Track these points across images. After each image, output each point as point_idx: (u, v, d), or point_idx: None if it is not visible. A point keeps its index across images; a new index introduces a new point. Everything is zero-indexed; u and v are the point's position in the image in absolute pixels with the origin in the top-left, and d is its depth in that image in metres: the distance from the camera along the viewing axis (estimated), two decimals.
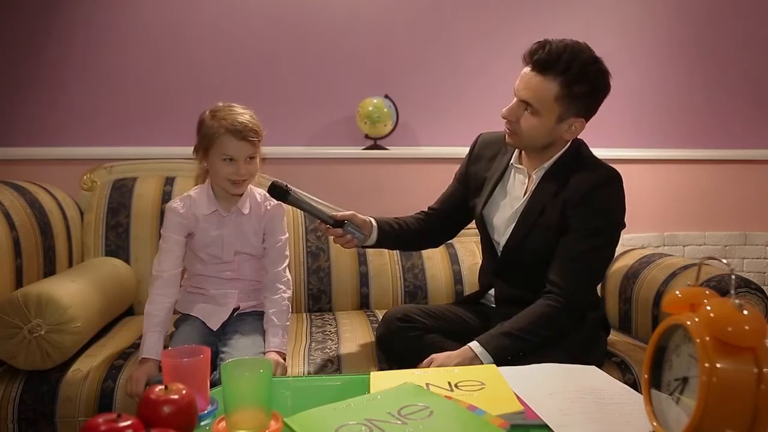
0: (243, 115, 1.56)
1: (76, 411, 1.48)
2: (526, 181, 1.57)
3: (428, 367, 1.39)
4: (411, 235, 1.69)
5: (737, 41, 2.64)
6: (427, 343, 1.48)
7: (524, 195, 1.55)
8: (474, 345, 1.39)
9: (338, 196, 2.38)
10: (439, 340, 1.50)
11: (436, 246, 1.85)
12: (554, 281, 1.45)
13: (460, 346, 1.41)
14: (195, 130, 1.65)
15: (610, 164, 1.53)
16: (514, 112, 1.47)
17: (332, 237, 1.58)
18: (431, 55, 2.47)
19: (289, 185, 1.53)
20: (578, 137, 1.55)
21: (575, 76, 1.40)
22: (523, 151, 1.58)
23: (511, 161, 1.60)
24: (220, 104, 1.60)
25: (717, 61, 2.64)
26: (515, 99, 1.47)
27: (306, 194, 2.26)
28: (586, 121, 1.49)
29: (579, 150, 1.55)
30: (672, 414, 0.81)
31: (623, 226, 1.51)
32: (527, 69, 1.45)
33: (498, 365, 1.32)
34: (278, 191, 1.51)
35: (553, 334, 1.43)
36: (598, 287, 2.01)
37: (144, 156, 2.29)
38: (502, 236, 1.58)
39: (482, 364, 1.35)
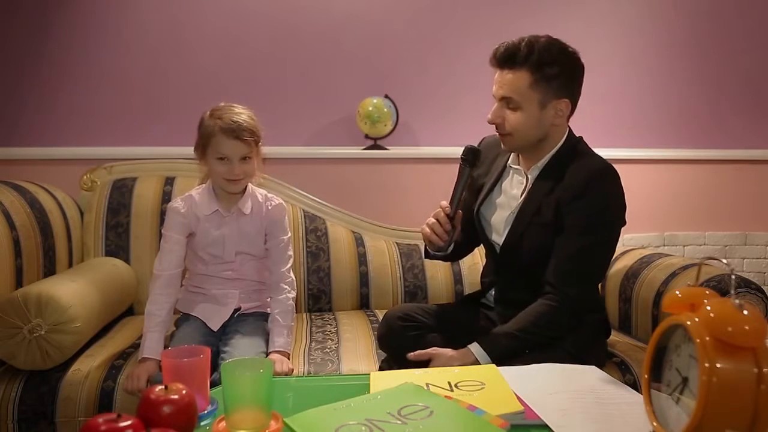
0: (240, 114, 1.56)
1: (76, 411, 1.48)
2: (524, 181, 1.56)
3: (428, 359, 1.40)
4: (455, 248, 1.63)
5: (737, 41, 2.64)
6: (428, 342, 1.48)
7: (522, 195, 1.55)
8: (474, 347, 1.40)
9: (338, 196, 2.37)
10: (439, 339, 1.51)
11: (465, 255, 1.81)
12: (551, 281, 1.44)
13: (461, 346, 1.42)
14: (195, 129, 1.65)
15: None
16: (498, 114, 1.49)
17: (433, 220, 1.48)
18: (431, 55, 2.47)
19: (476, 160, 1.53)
20: (576, 135, 1.54)
21: (540, 60, 1.42)
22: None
23: (509, 162, 1.61)
24: (222, 104, 1.60)
25: (717, 61, 2.63)
26: (496, 103, 1.49)
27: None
28: (572, 103, 1.49)
29: (576, 146, 1.53)
30: (672, 414, 0.81)
31: (623, 222, 1.49)
32: (497, 71, 1.49)
33: (499, 366, 1.32)
34: (472, 155, 1.51)
35: (552, 333, 1.43)
36: (599, 287, 2.01)
37: (144, 156, 2.28)
38: (500, 236, 1.58)
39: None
